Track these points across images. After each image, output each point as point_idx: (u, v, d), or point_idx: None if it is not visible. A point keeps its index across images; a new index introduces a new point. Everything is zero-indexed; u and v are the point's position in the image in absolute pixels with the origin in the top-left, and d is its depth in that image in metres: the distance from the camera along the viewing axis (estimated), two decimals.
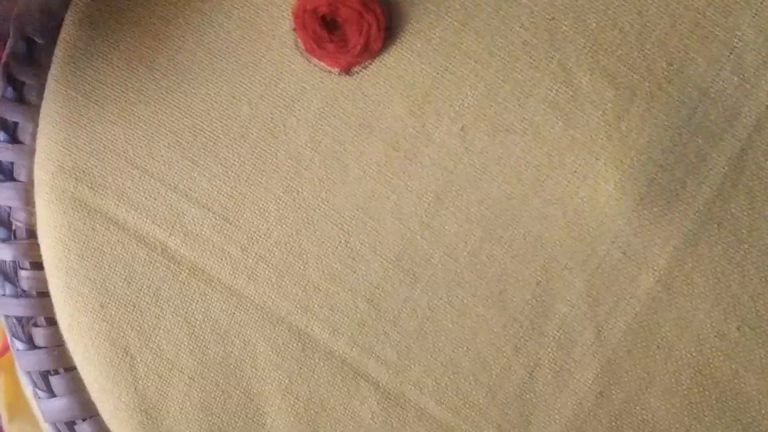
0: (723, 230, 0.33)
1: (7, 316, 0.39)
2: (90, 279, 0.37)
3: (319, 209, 0.36)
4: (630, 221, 0.34)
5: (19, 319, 0.39)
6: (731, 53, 0.33)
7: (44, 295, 0.39)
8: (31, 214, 0.39)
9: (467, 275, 0.35)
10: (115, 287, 0.37)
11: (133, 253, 0.37)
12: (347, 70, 0.35)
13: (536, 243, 0.35)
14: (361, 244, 0.36)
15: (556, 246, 0.34)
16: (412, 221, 0.35)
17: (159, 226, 0.37)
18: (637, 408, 0.35)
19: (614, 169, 0.33)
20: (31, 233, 0.39)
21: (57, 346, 0.39)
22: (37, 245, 0.39)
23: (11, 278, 0.39)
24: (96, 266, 0.37)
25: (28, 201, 0.39)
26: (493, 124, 0.34)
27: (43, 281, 0.39)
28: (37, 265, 0.39)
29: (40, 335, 0.39)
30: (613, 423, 0.35)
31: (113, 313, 0.37)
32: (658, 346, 0.34)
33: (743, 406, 0.34)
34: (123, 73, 0.36)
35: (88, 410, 0.39)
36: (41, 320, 0.39)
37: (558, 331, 0.35)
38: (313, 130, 0.36)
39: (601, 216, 0.34)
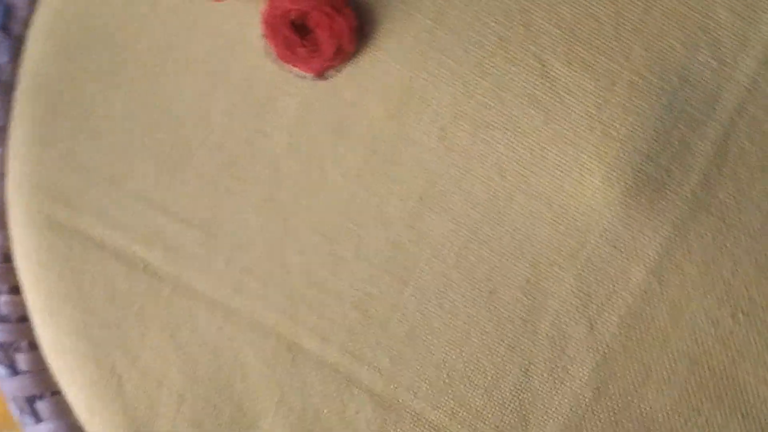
0: (711, 217, 0.35)
1: None
2: (71, 300, 0.39)
3: (301, 217, 0.37)
4: (618, 213, 0.35)
5: (0, 345, 0.40)
6: (707, 36, 0.34)
7: (24, 319, 0.40)
8: (6, 237, 0.40)
9: (456, 276, 0.37)
10: (97, 307, 0.39)
11: (114, 271, 0.38)
12: (321, 75, 0.36)
13: (524, 240, 0.36)
14: (346, 250, 0.37)
15: (544, 242, 0.36)
16: (396, 225, 0.37)
17: (139, 242, 0.38)
18: (635, 401, 0.36)
19: (598, 161, 0.35)
20: (7, 257, 0.40)
21: (41, 370, 0.40)
22: (14, 269, 0.40)
23: None
24: (77, 286, 0.39)
25: (2, 224, 0.40)
26: (473, 122, 0.35)
27: (22, 305, 0.40)
28: (15, 290, 0.40)
29: (22, 360, 0.40)
30: (612, 418, 0.36)
31: (97, 333, 0.39)
32: (653, 338, 0.36)
33: (741, 394, 0.36)
34: (92, 89, 0.38)
35: None
36: (23, 345, 0.40)
37: (551, 328, 0.36)
38: (290, 136, 0.37)
39: (588, 209, 0.35)
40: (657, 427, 0.36)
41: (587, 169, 0.35)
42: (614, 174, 0.35)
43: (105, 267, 0.39)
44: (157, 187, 0.38)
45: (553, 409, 0.37)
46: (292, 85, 0.37)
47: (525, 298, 0.36)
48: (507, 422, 0.37)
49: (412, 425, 0.38)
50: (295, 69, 0.36)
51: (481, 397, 0.37)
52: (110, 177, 0.38)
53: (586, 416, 0.37)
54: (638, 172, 0.35)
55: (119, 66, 0.37)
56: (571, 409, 0.37)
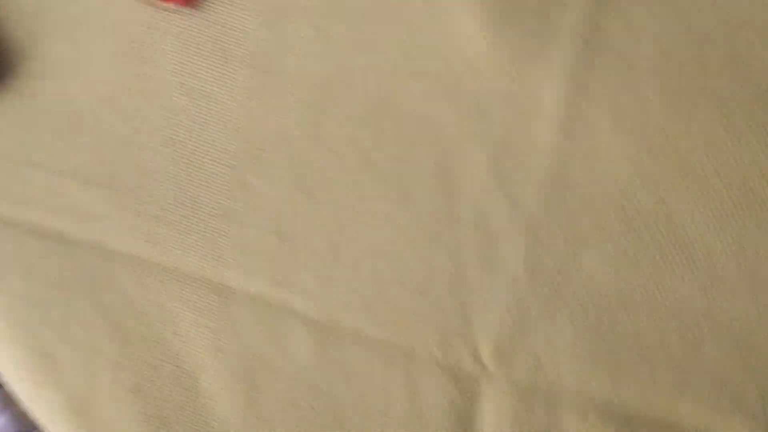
0: (608, 59, 0.34)
1: None
2: None
3: (202, 151, 0.37)
4: (508, 72, 0.34)
5: None
6: None
7: None
8: None
9: (365, 177, 0.36)
10: (18, 287, 0.38)
11: (29, 247, 0.38)
12: (191, 4, 0.36)
13: (425, 125, 0.35)
14: (253, 176, 0.36)
15: (446, 122, 0.35)
16: (297, 138, 0.36)
17: (49, 213, 0.38)
18: (572, 268, 0.35)
19: (473, 19, 0.34)
20: None
21: None
22: None
23: None
24: None
25: None
26: (347, 14, 0.35)
27: None
28: None
29: None
30: (553, 292, 0.35)
31: (22, 313, 0.38)
32: (576, 197, 0.34)
33: (677, 235, 0.34)
34: None
35: (30, 421, 0.40)
36: None
37: (473, 212, 0.35)
38: (176, 74, 0.37)
39: (480, 76, 0.34)
40: (599, 288, 0.35)
41: (467, 33, 0.34)
42: (488, 19, 0.34)
43: (20, 244, 0.38)
44: (56, 155, 0.37)
45: (492, 296, 0.35)
46: (166, 22, 0.36)
47: (439, 185, 0.35)
48: (448, 319, 0.36)
49: (353, 344, 0.36)
50: (166, 4, 0.36)
51: (417, 300, 0.36)
52: (9, 154, 0.38)
53: (526, 296, 0.35)
54: (513, 15, 0.34)
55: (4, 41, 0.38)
56: (510, 293, 0.35)
